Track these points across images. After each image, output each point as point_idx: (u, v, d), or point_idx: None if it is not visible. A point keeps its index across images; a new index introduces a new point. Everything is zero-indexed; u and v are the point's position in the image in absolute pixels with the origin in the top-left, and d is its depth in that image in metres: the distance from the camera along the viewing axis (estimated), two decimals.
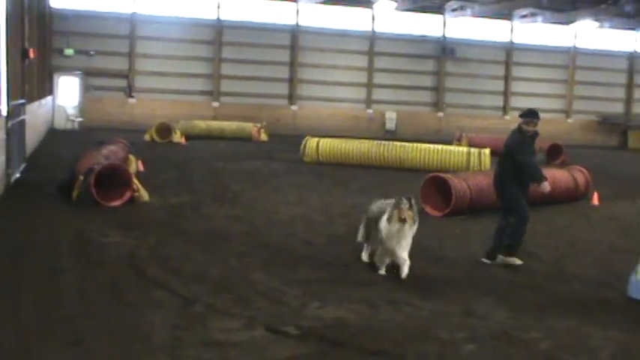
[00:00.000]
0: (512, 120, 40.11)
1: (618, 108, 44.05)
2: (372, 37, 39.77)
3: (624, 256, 10.66)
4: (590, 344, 6.75)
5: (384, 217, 8.69)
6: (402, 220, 8.56)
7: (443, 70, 40.71)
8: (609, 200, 16.97)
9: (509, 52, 41.48)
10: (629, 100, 44.22)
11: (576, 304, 8.19)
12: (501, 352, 6.43)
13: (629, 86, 44.18)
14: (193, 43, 37.85)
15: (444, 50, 40.30)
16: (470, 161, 21.19)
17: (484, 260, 10.02)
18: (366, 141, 24.42)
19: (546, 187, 9.91)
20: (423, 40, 40.28)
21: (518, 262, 9.85)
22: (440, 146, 23.57)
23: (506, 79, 41.62)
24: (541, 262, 10.26)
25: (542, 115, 10.38)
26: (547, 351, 6.52)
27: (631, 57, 43.90)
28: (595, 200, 16.50)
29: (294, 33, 39.03)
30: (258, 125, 33.17)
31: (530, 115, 10.04)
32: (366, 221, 9.52)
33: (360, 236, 9.78)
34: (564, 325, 7.27)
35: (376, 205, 9.32)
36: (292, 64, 39.28)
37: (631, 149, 39.05)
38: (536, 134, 10.05)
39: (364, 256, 9.54)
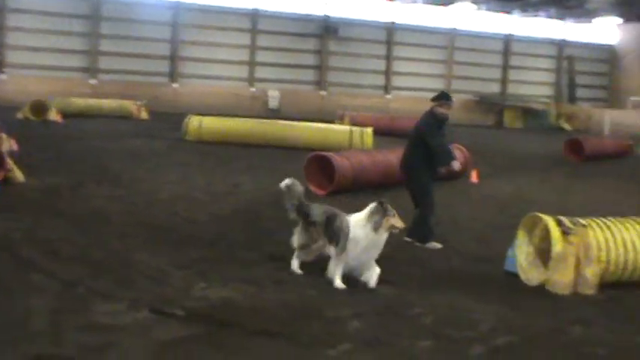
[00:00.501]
0: (394, 99, 40.91)
1: (495, 88, 45.55)
2: (255, 15, 39.55)
3: (502, 231, 11.04)
4: (471, 318, 6.96)
5: (368, 226, 7.58)
6: (392, 228, 7.69)
7: (326, 49, 40.95)
8: (487, 178, 17.53)
9: (390, 32, 42.11)
10: (504, 81, 45.80)
11: (458, 279, 8.44)
12: (386, 327, 6.55)
13: (505, 67, 45.73)
14: (69, 17, 36.64)
15: (327, 29, 40.51)
16: (352, 140, 21.40)
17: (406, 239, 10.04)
18: (249, 119, 24.33)
19: (456, 165, 10.04)
20: (305, 18, 40.34)
21: (438, 245, 9.88)
22: (323, 125, 23.76)
23: (388, 58, 42.28)
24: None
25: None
26: (430, 325, 6.68)
27: (506, 39, 45.39)
28: (474, 178, 17.01)
29: (176, 10, 38.35)
30: (139, 103, 32.50)
31: (445, 97, 10.08)
32: (305, 226, 8.14)
33: (295, 242, 8.24)
34: (447, 299, 7.47)
35: (321, 210, 8.12)
36: (173, 42, 38.61)
37: (506, 128, 40.44)
38: (446, 117, 10.10)
39: (295, 266, 8.13)
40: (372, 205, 7.74)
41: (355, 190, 14.11)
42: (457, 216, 12.64)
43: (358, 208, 12.33)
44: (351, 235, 7.63)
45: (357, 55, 41.27)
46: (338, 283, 7.65)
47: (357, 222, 7.69)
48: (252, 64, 39.73)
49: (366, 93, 41.16)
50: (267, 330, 6.29)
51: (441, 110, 9.98)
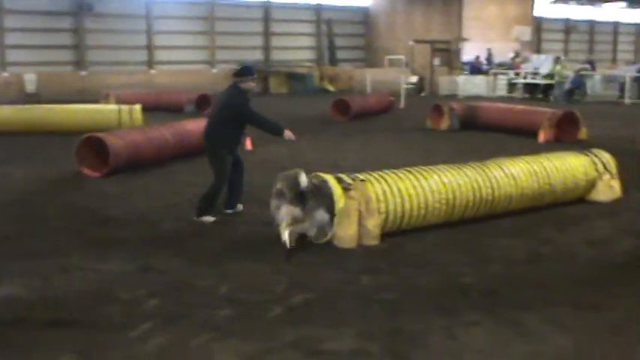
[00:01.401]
0: (158, 74, 40.26)
1: (258, 55, 46.00)
2: None
3: None
4: (265, 281, 7.12)
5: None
6: None
7: (82, 27, 39.42)
8: (262, 144, 17.77)
9: (149, 6, 41.26)
10: (267, 48, 46.43)
11: (247, 246, 8.57)
12: (183, 301, 6.55)
13: (266, 34, 46.35)
14: None
15: (81, 6, 38.98)
16: (121, 119, 20.89)
17: (227, 210, 10.24)
18: (6, 107, 22.98)
19: (291, 136, 9.78)
20: None
21: (211, 219, 9.77)
22: (89, 106, 23.00)
23: (149, 33, 41.43)
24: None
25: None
26: (227, 293, 6.77)
27: (265, 6, 45.98)
28: (248, 145, 17.21)
29: None
30: None
31: (250, 72, 9.82)
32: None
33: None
34: (240, 267, 7.58)
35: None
36: None
37: (273, 94, 41.08)
38: (253, 91, 10.00)
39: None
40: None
41: (131, 168, 13.87)
42: (238, 184, 12.74)
43: (137, 186, 12.17)
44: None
45: (116, 32, 40.03)
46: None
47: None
48: (1, 47, 37.53)
49: (129, 70, 40.10)
50: (61, 321, 6.09)
51: (251, 85, 9.75)
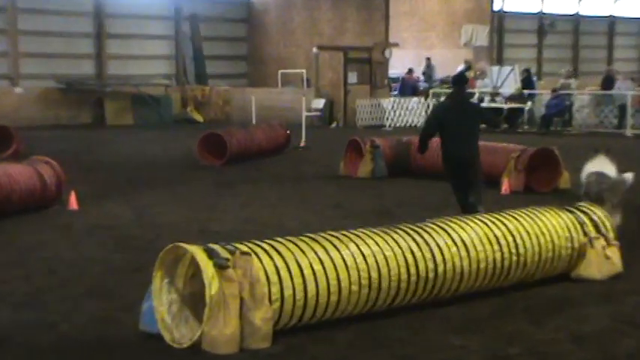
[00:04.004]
0: None
1: (88, 68, 44.44)
2: None
3: (127, 275, 11.30)
4: None
5: None
6: None
7: None
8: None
9: None
10: (101, 57, 45.10)
11: (73, 353, 8.46)
12: None
13: (100, 37, 44.96)
14: None
15: None
16: None
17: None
18: None
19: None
20: None
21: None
22: None
23: None
24: (5, 304, 10.35)
25: None
26: None
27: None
28: (73, 204, 17.03)
29: None
30: None
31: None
32: None
33: None
34: None
35: None
36: None
37: (111, 126, 40.37)
38: None
39: None
40: None
41: None
42: (57, 262, 12.58)
43: None
44: None
45: None
46: None
47: None
48: None
49: None
50: None
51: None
